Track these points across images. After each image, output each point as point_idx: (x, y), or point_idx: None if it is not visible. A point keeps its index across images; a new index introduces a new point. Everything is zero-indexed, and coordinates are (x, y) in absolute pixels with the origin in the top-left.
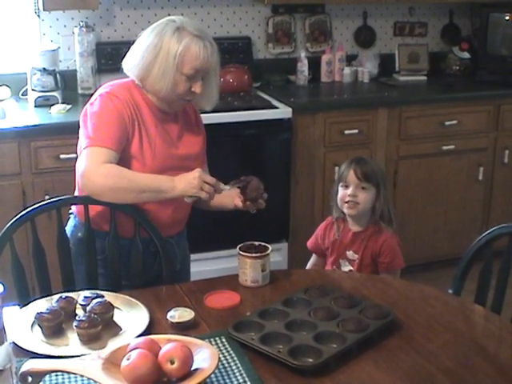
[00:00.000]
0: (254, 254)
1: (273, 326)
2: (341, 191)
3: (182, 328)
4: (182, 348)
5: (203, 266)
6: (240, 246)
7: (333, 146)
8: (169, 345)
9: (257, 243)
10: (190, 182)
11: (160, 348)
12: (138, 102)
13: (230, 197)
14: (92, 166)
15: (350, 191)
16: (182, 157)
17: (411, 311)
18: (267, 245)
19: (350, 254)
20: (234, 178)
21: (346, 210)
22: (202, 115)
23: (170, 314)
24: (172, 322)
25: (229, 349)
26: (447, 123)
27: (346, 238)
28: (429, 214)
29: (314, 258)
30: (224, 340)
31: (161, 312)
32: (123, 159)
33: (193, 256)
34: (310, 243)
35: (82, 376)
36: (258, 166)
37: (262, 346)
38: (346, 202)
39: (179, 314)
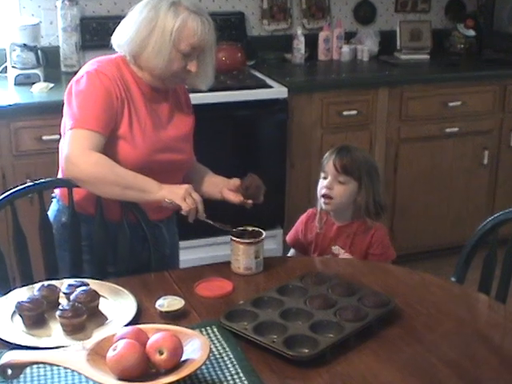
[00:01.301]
0: (247, 240)
1: (267, 314)
2: (320, 182)
3: (171, 317)
4: (172, 338)
5: (193, 253)
6: (232, 231)
7: (330, 127)
8: (157, 335)
9: (250, 228)
10: (175, 192)
11: (148, 338)
12: (128, 80)
13: (216, 187)
14: (78, 151)
15: (326, 183)
16: (172, 138)
17: (412, 299)
18: (261, 230)
19: (335, 249)
20: (226, 161)
21: (322, 204)
22: (192, 95)
23: (158, 302)
24: (161, 311)
25: (220, 339)
26: (451, 104)
27: (330, 231)
28: (431, 199)
29: (292, 252)
30: (215, 330)
31: (149, 300)
32: (112, 140)
33: (182, 243)
34: (289, 237)
35: (65, 368)
36: (251, 149)
37: (255, 335)
38: (323, 196)
39: (168, 303)
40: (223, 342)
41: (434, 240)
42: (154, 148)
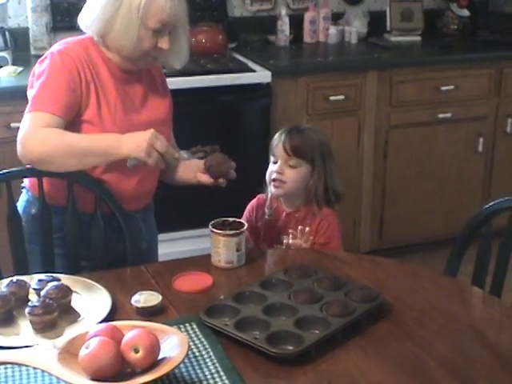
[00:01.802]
0: (227, 232)
1: (249, 310)
2: (269, 166)
3: (147, 313)
4: (148, 335)
5: (172, 247)
6: (212, 222)
7: (316, 113)
8: (133, 332)
9: (231, 219)
10: (138, 145)
11: (123, 335)
12: (96, 62)
13: (191, 171)
14: (30, 132)
15: (276, 167)
16: (146, 122)
17: (402, 294)
18: (242, 221)
19: (284, 238)
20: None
21: (272, 190)
22: (170, 79)
23: (134, 298)
24: (137, 307)
25: (200, 336)
26: (444, 88)
27: (279, 219)
28: (422, 189)
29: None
30: (195, 326)
31: (124, 296)
32: (79, 125)
33: (160, 236)
34: None
35: (34, 368)
36: (233, 136)
37: (236, 332)
38: (274, 181)
39: (145, 298)
40: (203, 339)
41: (426, 232)
42: (126, 132)
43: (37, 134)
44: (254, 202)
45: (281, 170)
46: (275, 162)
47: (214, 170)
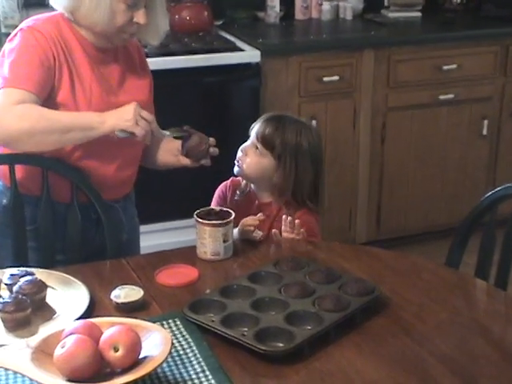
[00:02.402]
0: (214, 221)
1: (236, 305)
2: (244, 144)
3: (128, 309)
4: (128, 332)
5: (155, 239)
6: (197, 211)
7: (309, 95)
8: (112, 329)
9: (217, 208)
10: (122, 116)
11: (101, 333)
12: (68, 40)
13: (173, 153)
14: (4, 109)
15: (243, 146)
16: (123, 105)
17: (400, 287)
18: (230, 210)
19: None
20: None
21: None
22: (152, 60)
23: (114, 293)
24: (117, 303)
25: (184, 333)
26: (445, 68)
27: (250, 208)
28: (423, 175)
29: None
30: (179, 322)
31: (103, 291)
32: (51, 108)
33: (142, 228)
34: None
35: (6, 370)
36: (220, 120)
37: (223, 328)
38: (237, 158)
39: (125, 293)
40: (187, 336)
41: (427, 221)
42: None
43: (13, 110)
44: (227, 182)
45: (245, 151)
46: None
47: (193, 154)
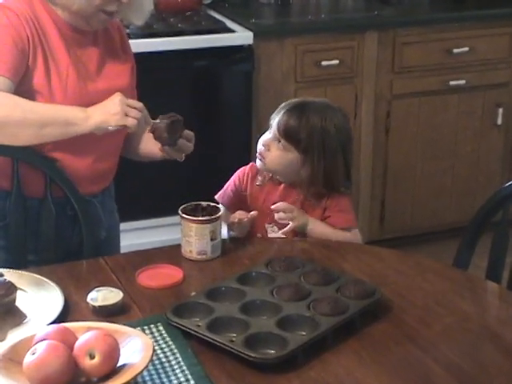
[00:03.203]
0: (200, 218)
1: (224, 308)
2: (266, 133)
3: (106, 313)
4: (106, 338)
5: (136, 237)
6: (183, 206)
7: (306, 81)
8: (88, 334)
9: (205, 203)
10: (109, 110)
11: (76, 339)
12: (43, 20)
13: (154, 143)
14: None
15: (264, 139)
16: (103, 92)
17: (403, 289)
18: (218, 206)
19: (278, 215)
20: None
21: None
22: (134, 41)
23: (91, 295)
24: (94, 306)
25: (167, 339)
26: (456, 51)
27: (273, 193)
28: (431, 169)
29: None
30: (161, 327)
31: (79, 293)
32: (24, 96)
33: (123, 225)
34: (219, 196)
35: None
36: (209, 107)
37: (210, 334)
38: (259, 153)
39: (103, 296)
40: (170, 343)
41: (435, 219)
42: (79, 104)
43: None
44: (245, 168)
45: (267, 145)
46: (270, 132)
47: (159, 136)
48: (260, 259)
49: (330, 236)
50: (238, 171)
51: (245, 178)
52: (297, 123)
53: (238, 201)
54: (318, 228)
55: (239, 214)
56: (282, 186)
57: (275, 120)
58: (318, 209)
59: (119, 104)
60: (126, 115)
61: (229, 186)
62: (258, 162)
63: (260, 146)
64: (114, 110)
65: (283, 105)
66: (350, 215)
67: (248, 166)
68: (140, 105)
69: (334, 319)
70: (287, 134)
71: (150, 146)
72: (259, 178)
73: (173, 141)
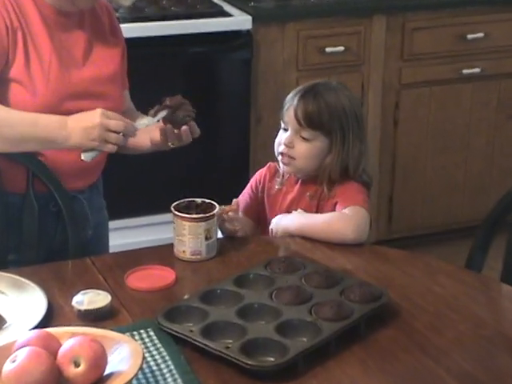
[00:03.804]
0: (194, 215)
1: (220, 312)
2: (279, 135)
3: (93, 317)
4: (92, 344)
5: (126, 237)
6: (175, 203)
7: (309, 69)
8: (73, 340)
9: (199, 200)
10: (87, 133)
11: (60, 345)
12: (23, 4)
13: (145, 132)
14: None
15: (285, 138)
16: (89, 80)
17: (413, 293)
18: (213, 202)
19: (298, 213)
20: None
21: (280, 165)
22: (125, 26)
23: (76, 298)
24: (79, 310)
25: (158, 345)
26: (470, 37)
27: (291, 191)
28: (443, 164)
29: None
30: (152, 333)
31: (64, 296)
32: (3, 87)
33: (112, 223)
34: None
35: None
36: (205, 97)
37: (204, 340)
38: (282, 154)
39: (90, 299)
40: (162, 349)
41: (447, 217)
42: (63, 94)
43: None
44: (262, 171)
45: (290, 143)
46: (285, 130)
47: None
48: (258, 260)
49: (321, 223)
50: (256, 174)
51: (262, 180)
52: (316, 106)
53: (256, 204)
54: (304, 224)
55: (228, 208)
56: (299, 181)
57: (289, 113)
58: (330, 199)
59: (98, 129)
60: (106, 141)
61: (246, 190)
62: (284, 166)
63: (281, 148)
64: (92, 135)
65: (292, 95)
66: (357, 195)
67: (265, 167)
68: (121, 126)
69: (338, 324)
70: (310, 121)
71: (139, 139)
72: (277, 179)
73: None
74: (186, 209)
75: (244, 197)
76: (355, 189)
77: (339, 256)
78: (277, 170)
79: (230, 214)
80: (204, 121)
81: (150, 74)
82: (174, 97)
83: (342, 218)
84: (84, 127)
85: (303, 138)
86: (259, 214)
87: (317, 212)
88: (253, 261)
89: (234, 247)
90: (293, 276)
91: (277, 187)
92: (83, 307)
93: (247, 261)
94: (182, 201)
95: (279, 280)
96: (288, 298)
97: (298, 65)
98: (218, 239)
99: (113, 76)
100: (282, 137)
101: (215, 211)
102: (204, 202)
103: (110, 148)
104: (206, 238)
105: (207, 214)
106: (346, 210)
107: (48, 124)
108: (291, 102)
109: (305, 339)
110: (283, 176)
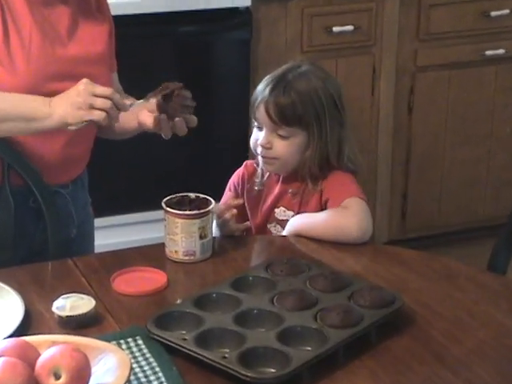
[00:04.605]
0: (188, 212)
1: (216, 319)
2: (253, 133)
3: (75, 324)
4: (73, 354)
5: (112, 236)
6: (167, 198)
7: (315, 50)
8: (53, 349)
9: (193, 195)
10: (72, 103)
11: (39, 355)
12: None
13: (133, 114)
14: None
15: (261, 139)
16: (75, 60)
17: (429, 297)
18: (209, 198)
19: (279, 211)
20: None
21: (260, 164)
22: (112, 2)
23: (57, 303)
24: (60, 316)
25: (148, 355)
26: (494, 14)
27: (272, 190)
28: (463, 155)
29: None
30: (140, 342)
31: (43, 301)
32: None
33: (98, 221)
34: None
35: None
36: (200, 81)
37: (198, 349)
38: (262, 156)
39: (72, 304)
40: (151, 360)
41: (467, 215)
42: (46, 74)
43: None
44: (240, 171)
45: (268, 143)
46: (259, 128)
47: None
48: (258, 261)
49: (320, 222)
50: (233, 176)
51: (240, 182)
52: (288, 100)
53: (241, 207)
54: (303, 225)
55: (225, 206)
56: (281, 179)
57: (260, 110)
58: (316, 194)
59: (83, 94)
60: (93, 107)
61: (226, 195)
62: (266, 167)
63: (258, 149)
64: (76, 104)
65: (261, 87)
66: (348, 186)
67: (242, 167)
68: (109, 91)
69: (346, 332)
70: (284, 118)
71: (128, 123)
72: (256, 180)
73: (180, 108)
74: (178, 204)
75: (225, 198)
76: (343, 179)
77: (347, 257)
78: (255, 169)
79: (234, 210)
80: (198, 108)
81: (139, 55)
82: (171, 83)
83: (342, 214)
84: (68, 97)
85: (280, 136)
86: (244, 218)
87: (300, 209)
88: (252, 262)
89: (232, 247)
90: (296, 279)
91: (256, 188)
92: (64, 313)
93: (246, 262)
94: (174, 196)
95: (281, 283)
96: (291, 302)
97: (303, 46)
98: (213, 238)
99: (100, 56)
100: (257, 136)
101: (210, 207)
102: (198, 197)
103: (98, 115)
104: (201, 237)
105: (202, 211)
106: (343, 205)
107: (28, 101)
108: (262, 96)
109: (309, 348)
110: (262, 176)
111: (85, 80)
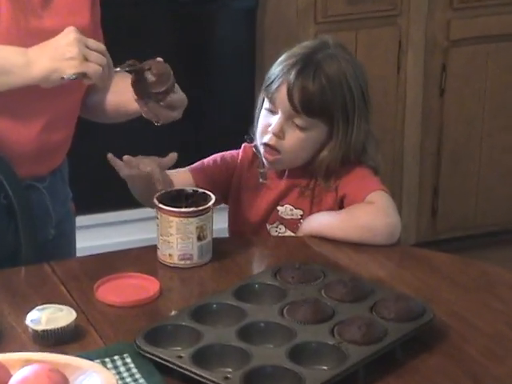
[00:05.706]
0: (184, 209)
1: (216, 333)
2: (263, 116)
3: (53, 340)
4: (51, 375)
5: (97, 236)
6: (159, 193)
7: (331, 21)
8: (27, 369)
9: (190, 189)
10: (62, 52)
11: (10, 376)
12: None
13: (129, 90)
14: None
15: (273, 125)
16: (51, 33)
17: (464, 308)
18: (208, 192)
19: (284, 210)
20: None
21: (263, 156)
22: None
23: (32, 315)
24: (35, 331)
25: (137, 375)
26: None
27: (276, 184)
28: (502, 145)
29: None
30: (129, 360)
31: (15, 313)
32: None
33: (79, 220)
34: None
35: None
36: (200, 57)
37: (196, 368)
38: (265, 145)
39: (49, 316)
40: (141, 381)
41: (506, 213)
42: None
43: None
44: (239, 153)
45: (279, 131)
46: (272, 112)
47: (145, 84)
48: (266, 266)
49: (341, 221)
50: (226, 154)
51: (238, 166)
52: (318, 86)
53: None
54: (321, 224)
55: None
56: (287, 172)
57: (281, 93)
58: (330, 191)
59: (76, 44)
60: (86, 59)
61: (207, 166)
62: (266, 161)
63: (267, 137)
64: (68, 54)
65: (284, 66)
66: (370, 181)
67: (240, 150)
68: (103, 47)
69: (368, 349)
70: (309, 107)
71: (118, 99)
72: (261, 171)
73: (161, 95)
74: (173, 200)
75: (206, 168)
76: (362, 173)
77: (369, 261)
78: (256, 157)
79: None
80: (199, 85)
81: (130, 27)
82: (151, 61)
83: (367, 211)
84: (54, 46)
85: (297, 126)
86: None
87: (312, 208)
88: (258, 267)
89: (235, 249)
90: (310, 287)
91: (261, 181)
92: (40, 327)
93: (251, 267)
94: (167, 190)
95: (292, 292)
96: (304, 314)
97: (317, 16)
98: (213, 239)
99: (81, 30)
100: (265, 119)
101: (210, 203)
102: (196, 191)
103: (94, 69)
104: (199, 238)
105: (200, 208)
106: (367, 200)
107: (3, 50)
108: (286, 77)
109: (325, 367)
110: (263, 166)
111: (72, 28)
